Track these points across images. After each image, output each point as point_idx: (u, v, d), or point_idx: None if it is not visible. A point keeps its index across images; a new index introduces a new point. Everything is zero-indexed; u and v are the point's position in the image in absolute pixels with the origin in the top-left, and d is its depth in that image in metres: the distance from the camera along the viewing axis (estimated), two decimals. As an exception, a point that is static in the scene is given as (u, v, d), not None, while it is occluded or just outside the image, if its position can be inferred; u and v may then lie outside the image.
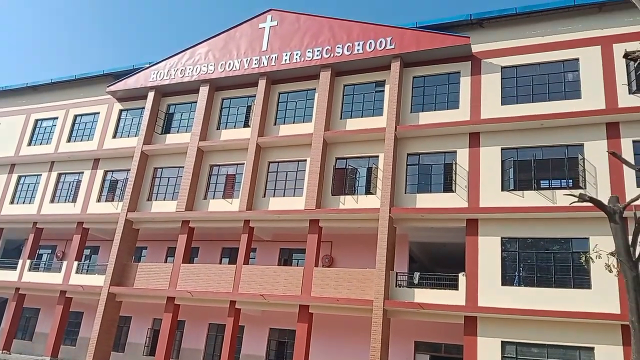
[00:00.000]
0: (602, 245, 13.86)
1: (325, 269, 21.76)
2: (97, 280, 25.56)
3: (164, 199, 26.11)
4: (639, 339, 10.85)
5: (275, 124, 24.83)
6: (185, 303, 23.84)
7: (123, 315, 26.32)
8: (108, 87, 28.85)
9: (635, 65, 18.24)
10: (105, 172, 28.28)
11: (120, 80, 28.67)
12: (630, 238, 11.78)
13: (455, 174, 20.34)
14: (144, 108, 28.06)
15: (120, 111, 29.38)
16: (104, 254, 28.94)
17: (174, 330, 23.69)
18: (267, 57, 25.11)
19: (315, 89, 24.22)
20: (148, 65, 28.24)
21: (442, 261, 25.84)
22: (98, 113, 29.93)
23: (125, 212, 25.79)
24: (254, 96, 25.40)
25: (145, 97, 28.10)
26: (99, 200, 27.68)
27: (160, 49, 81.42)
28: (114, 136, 28.83)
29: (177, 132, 27.31)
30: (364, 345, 20.44)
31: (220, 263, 26.14)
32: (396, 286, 19.96)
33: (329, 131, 22.89)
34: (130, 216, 25.73)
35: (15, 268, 28.53)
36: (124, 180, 27.32)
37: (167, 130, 27.67)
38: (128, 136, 28.41)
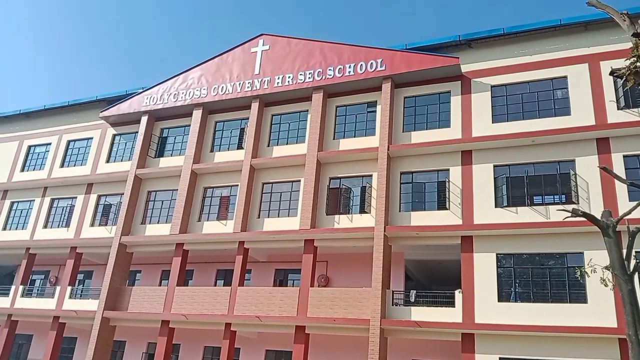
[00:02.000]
0: (596, 260, 14.04)
1: (321, 289, 21.69)
2: (91, 305, 25.30)
3: (157, 222, 26.08)
4: (637, 352, 10.86)
5: (268, 146, 25.01)
6: (180, 326, 23.63)
7: (117, 340, 25.97)
8: (101, 112, 29.00)
9: (622, 82, 18.63)
10: (99, 197, 28.23)
11: (114, 106, 28.84)
12: (624, 252, 11.91)
13: (449, 191, 20.50)
14: (137, 132, 28.19)
15: (114, 136, 29.48)
16: (97, 278, 28.69)
17: (169, 354, 23.40)
18: (259, 80, 25.40)
19: (307, 111, 24.47)
20: (141, 90, 28.46)
21: (438, 279, 25.83)
22: (91, 138, 30.01)
23: (119, 236, 25.69)
24: (247, 118, 25.62)
25: (138, 122, 28.25)
26: (92, 224, 27.57)
27: (152, 75, 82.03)
28: (108, 161, 28.87)
29: (171, 155, 27.41)
30: (361, 366, 20.26)
31: (215, 285, 25.96)
32: (393, 305, 19.92)
33: (323, 151, 23.06)
34: (124, 240, 25.63)
35: (7, 294, 28.17)
36: (118, 204, 27.26)
37: (160, 153, 27.76)
38: (122, 160, 28.46)
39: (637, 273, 12.71)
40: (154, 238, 25.22)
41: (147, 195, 27.02)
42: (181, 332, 24.36)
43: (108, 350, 24.86)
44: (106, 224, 27.33)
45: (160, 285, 27.09)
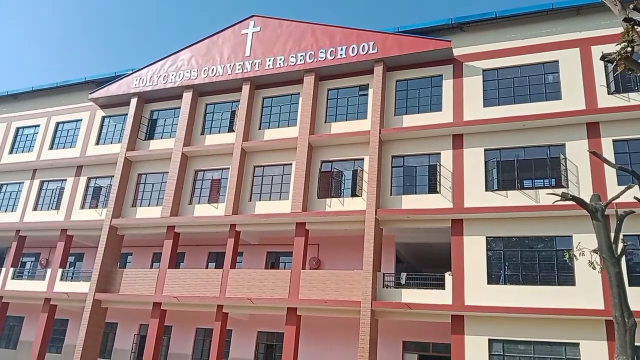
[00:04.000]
0: (585, 243, 14.22)
1: (312, 272, 21.85)
2: (82, 287, 25.33)
3: (148, 205, 26.02)
4: (623, 333, 11.13)
5: (260, 129, 24.92)
6: (171, 308, 23.73)
7: (109, 322, 26.06)
8: (90, 94, 28.70)
9: (612, 67, 18.75)
10: (89, 179, 28.08)
11: (103, 87, 28.54)
12: (612, 235, 12.12)
13: (440, 175, 20.61)
14: (126, 114, 27.96)
15: (103, 118, 29.21)
16: (88, 260, 28.67)
17: (160, 336, 23.55)
18: (250, 62, 25.20)
19: (299, 93, 24.36)
20: (130, 72, 28.16)
21: (428, 261, 26.09)
22: (80, 120, 29.72)
23: (110, 218, 25.62)
24: (238, 101, 25.46)
25: (128, 104, 28.00)
26: (82, 207, 27.45)
27: (141, 57, 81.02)
28: (97, 143, 28.66)
29: (161, 137, 27.26)
30: (352, 346, 20.50)
31: (207, 268, 26.02)
32: (383, 287, 20.13)
33: (314, 135, 23.03)
34: (114, 222, 25.58)
35: (-3, 277, 28.07)
36: (108, 187, 27.14)
37: (150, 136, 27.59)
38: (111, 143, 28.26)
39: (624, 256, 13.03)
40: (145, 221, 25.19)
41: (137, 177, 26.91)
42: (173, 314, 24.48)
43: (100, 331, 24.95)
44: (96, 207, 27.22)
45: (151, 267, 27.12)
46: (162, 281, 23.72)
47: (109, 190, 26.90)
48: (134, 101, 27.63)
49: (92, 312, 24.39)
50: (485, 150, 20.34)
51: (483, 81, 21.24)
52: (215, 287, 22.61)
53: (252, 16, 26.31)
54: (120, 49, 79.84)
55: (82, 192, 27.76)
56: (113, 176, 26.68)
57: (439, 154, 20.99)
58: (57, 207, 27.99)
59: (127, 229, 26.06)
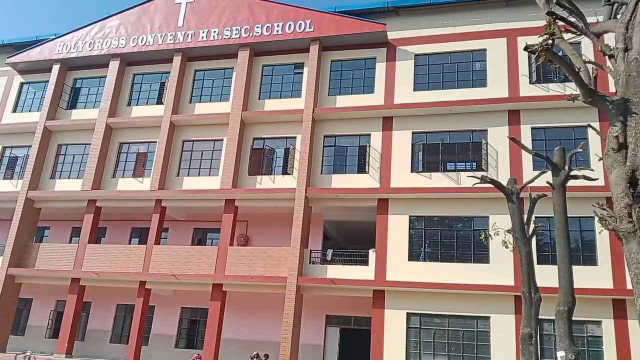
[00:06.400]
0: (500, 224, 15.06)
1: (240, 248, 21.77)
2: (-6, 261, 23.91)
3: (68, 177, 24.93)
4: (529, 307, 12.05)
5: (190, 102, 24.34)
6: (91, 284, 22.95)
7: (23, 298, 24.83)
8: (8, 58, 26.94)
9: (534, 58, 19.76)
10: (4, 148, 26.58)
11: (22, 52, 26.87)
12: (525, 217, 12.96)
13: (369, 155, 21.02)
14: (47, 81, 26.48)
15: (22, 84, 27.59)
16: (1, 234, 26.97)
17: (79, 312, 22.80)
18: (183, 33, 24.50)
19: (233, 68, 23.97)
20: (53, 37, 26.66)
21: (355, 239, 26.57)
22: (-4, 85, 27.87)
23: (26, 190, 24.35)
24: (168, 73, 24.71)
25: (49, 70, 26.49)
26: (-4, 177, 25.87)
27: (66, 23, 76.61)
28: (14, 110, 27.11)
29: (84, 107, 26.09)
30: (277, 321, 20.55)
31: (130, 243, 25.25)
32: (310, 263, 20.40)
33: (247, 111, 22.79)
34: (31, 195, 24.33)
35: None
36: (25, 157, 25.74)
37: (73, 105, 26.33)
38: (30, 111, 26.79)
39: (534, 236, 13.94)
40: (64, 194, 24.14)
41: (57, 148, 25.66)
42: (92, 290, 23.60)
43: (13, 307, 23.88)
44: (12, 177, 25.81)
45: (70, 242, 25.97)
46: (82, 256, 22.84)
47: (25, 161, 25.47)
48: (56, 68, 26.20)
49: (5, 287, 23.30)
50: (413, 133, 20.91)
51: (414, 65, 21.76)
52: (138, 263, 22.03)
53: (186, -15, 25.51)
54: (44, 12, 75.21)
55: (-4, 161, 26.15)
56: (30, 146, 25.27)
57: (369, 135, 21.37)
58: (-32, 177, 26.20)
59: (44, 202, 24.82)
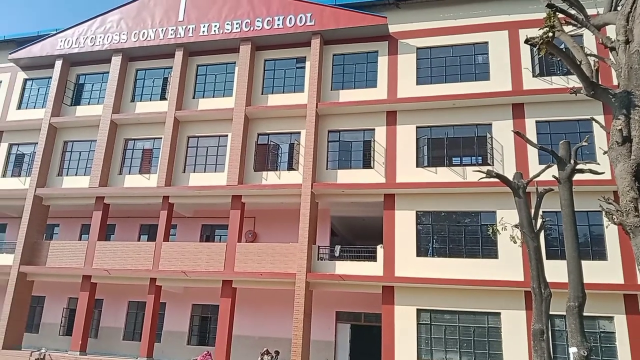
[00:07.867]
0: (507, 218, 15.11)
1: (248, 244, 22.00)
2: (6, 259, 24.29)
3: (75, 174, 25.07)
4: (539, 303, 12.06)
5: (194, 98, 24.33)
6: (102, 281, 23.27)
7: (36, 295, 25.24)
8: (10, 54, 26.83)
9: (536, 51, 19.62)
10: (10, 146, 26.64)
11: (24, 47, 26.75)
12: (532, 211, 12.96)
13: (374, 150, 21.10)
14: (51, 78, 26.43)
15: (25, 80, 27.54)
16: (12, 232, 27.32)
17: (91, 309, 23.15)
18: (183, 27, 24.36)
19: (235, 63, 23.88)
20: (55, 33, 26.50)
21: (361, 234, 26.83)
22: (0, 82, 27.79)
23: (34, 187, 24.53)
24: (171, 68, 24.65)
25: (52, 66, 26.43)
26: (4, 175, 26.14)
27: (67, 17, 75.74)
28: (19, 107, 27.10)
29: (88, 103, 26.08)
30: (287, 317, 20.98)
31: (139, 240, 25.56)
32: (318, 259, 20.65)
33: (251, 106, 22.80)
34: (39, 192, 24.52)
35: None
36: (32, 155, 25.84)
37: (77, 101, 26.33)
38: (34, 107, 26.81)
39: (542, 231, 14.01)
40: (72, 191, 24.30)
41: (63, 145, 25.76)
42: (104, 287, 23.95)
43: (26, 305, 24.21)
44: (19, 175, 25.97)
45: (80, 239, 26.29)
46: (92, 253, 23.13)
47: (32, 158, 25.61)
48: (58, 63, 26.13)
49: (17, 285, 23.56)
50: (417, 127, 20.94)
51: (417, 59, 21.68)
52: (148, 260, 22.33)
53: (186, -21, 25.24)
54: (44, 7, 74.32)
55: (3, 159, 26.40)
56: (37, 143, 25.38)
57: (374, 129, 21.41)
58: (-24, 175, 26.38)
59: (52, 199, 25.03)
